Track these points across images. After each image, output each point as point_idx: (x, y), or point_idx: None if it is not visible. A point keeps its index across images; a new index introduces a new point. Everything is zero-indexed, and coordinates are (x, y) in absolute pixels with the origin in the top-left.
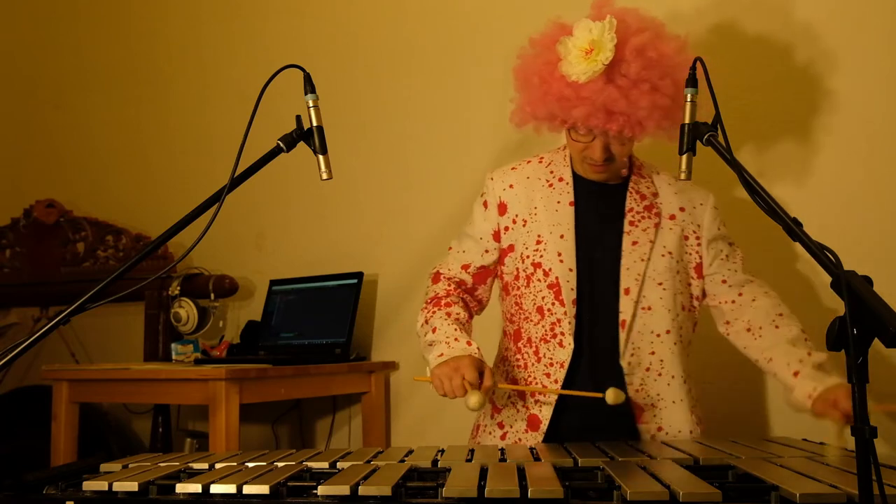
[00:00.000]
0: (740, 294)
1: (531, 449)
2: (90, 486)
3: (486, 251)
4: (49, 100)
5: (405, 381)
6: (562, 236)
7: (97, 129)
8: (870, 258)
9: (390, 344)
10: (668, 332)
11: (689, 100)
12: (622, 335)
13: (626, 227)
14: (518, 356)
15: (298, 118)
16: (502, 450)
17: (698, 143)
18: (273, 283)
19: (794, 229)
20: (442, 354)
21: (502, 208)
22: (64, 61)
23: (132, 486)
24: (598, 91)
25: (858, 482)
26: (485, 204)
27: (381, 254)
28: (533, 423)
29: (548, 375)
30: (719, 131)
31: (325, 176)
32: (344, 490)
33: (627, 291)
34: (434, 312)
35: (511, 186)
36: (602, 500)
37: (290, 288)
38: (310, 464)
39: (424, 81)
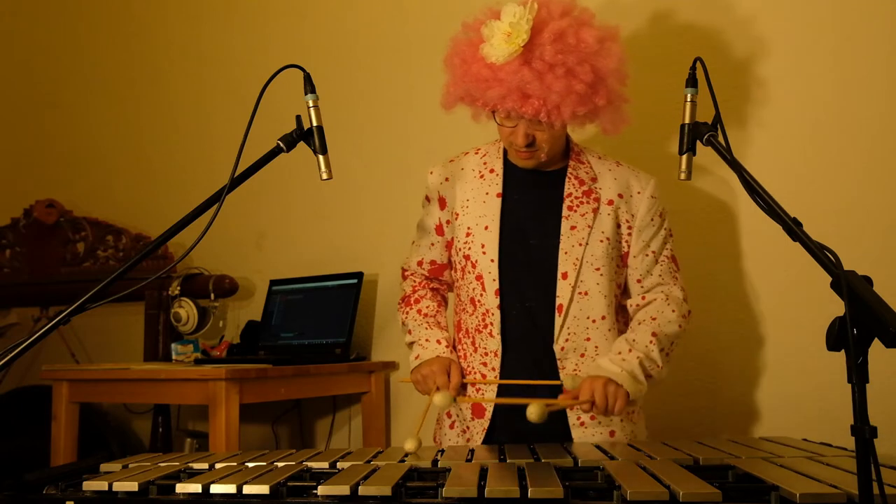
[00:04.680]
0: (643, 298)
1: (531, 448)
2: (90, 486)
3: (433, 244)
4: (49, 100)
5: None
6: (486, 227)
7: (97, 129)
8: (870, 258)
9: (390, 344)
10: (603, 317)
11: (688, 100)
12: (558, 320)
13: (565, 212)
14: (460, 346)
15: (298, 118)
16: (502, 450)
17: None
18: (273, 283)
19: (794, 229)
20: (417, 357)
21: (442, 203)
22: (64, 61)
23: (132, 486)
24: (513, 72)
25: (858, 482)
26: (427, 199)
27: (381, 254)
28: (477, 410)
29: (484, 364)
30: (719, 131)
31: (325, 176)
32: (344, 490)
33: (565, 276)
34: (407, 313)
35: (447, 180)
36: (602, 500)
37: (290, 288)
38: (310, 464)
39: (424, 81)
